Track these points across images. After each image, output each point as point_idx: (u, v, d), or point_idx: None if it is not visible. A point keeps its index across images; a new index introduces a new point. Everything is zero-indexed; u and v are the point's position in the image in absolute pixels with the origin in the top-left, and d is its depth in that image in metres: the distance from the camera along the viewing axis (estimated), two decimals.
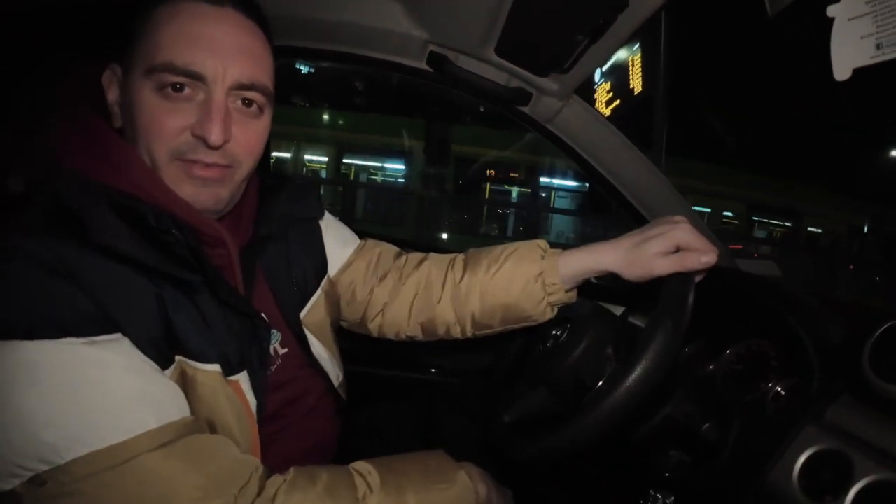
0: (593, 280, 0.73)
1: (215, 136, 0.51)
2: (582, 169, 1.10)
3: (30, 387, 0.42)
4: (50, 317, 0.43)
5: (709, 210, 11.22)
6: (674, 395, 0.75)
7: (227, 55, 0.52)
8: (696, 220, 1.13)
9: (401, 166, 11.13)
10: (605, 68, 4.60)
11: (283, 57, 0.99)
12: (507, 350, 0.92)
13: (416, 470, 0.58)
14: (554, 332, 0.76)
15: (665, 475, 0.76)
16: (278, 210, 0.69)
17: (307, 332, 0.72)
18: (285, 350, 0.68)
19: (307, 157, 10.88)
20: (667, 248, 0.63)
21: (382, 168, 11.20)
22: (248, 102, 0.55)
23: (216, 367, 0.54)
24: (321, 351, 0.75)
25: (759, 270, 1.13)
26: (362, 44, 0.94)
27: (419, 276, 0.81)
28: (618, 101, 4.44)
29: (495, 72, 0.92)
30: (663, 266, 0.62)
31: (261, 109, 0.57)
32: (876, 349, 0.63)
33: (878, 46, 0.45)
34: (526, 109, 1.00)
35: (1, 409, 0.42)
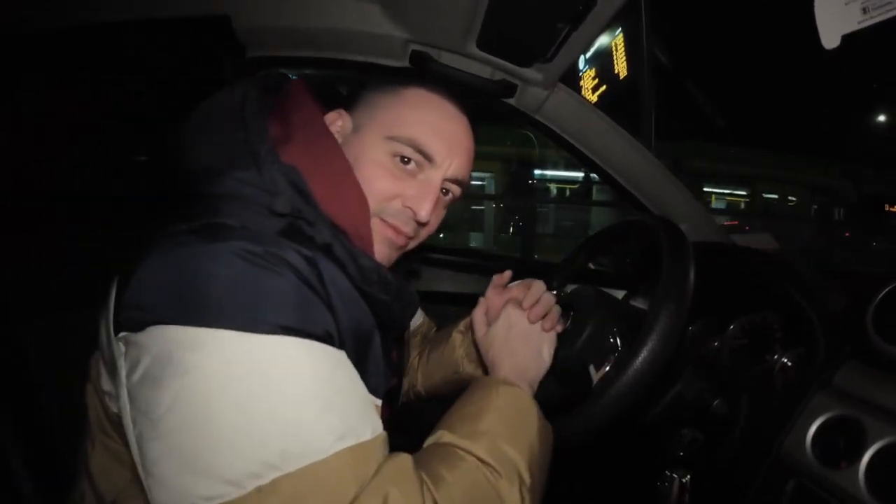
0: (592, 266, 0.73)
1: (425, 213, 0.59)
2: (573, 157, 1.10)
3: (293, 378, 0.42)
4: (309, 328, 0.44)
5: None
6: (682, 374, 0.75)
7: (456, 152, 0.61)
8: (690, 200, 1.13)
9: None
10: (588, 55, 4.60)
11: (265, 67, 0.99)
12: None
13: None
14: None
15: (679, 454, 0.76)
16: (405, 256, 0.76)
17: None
18: None
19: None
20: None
21: None
22: (445, 192, 0.64)
23: (379, 402, 0.56)
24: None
25: (756, 243, 1.13)
26: (344, 48, 0.93)
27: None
28: (604, 87, 4.45)
29: (479, 66, 0.92)
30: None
31: (452, 200, 0.66)
32: (879, 313, 0.64)
33: (864, 10, 0.45)
34: (512, 101, 0.99)
35: (254, 402, 0.40)
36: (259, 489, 0.39)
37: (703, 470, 0.74)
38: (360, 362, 0.53)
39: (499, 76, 0.94)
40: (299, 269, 0.45)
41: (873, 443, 0.56)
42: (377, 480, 0.42)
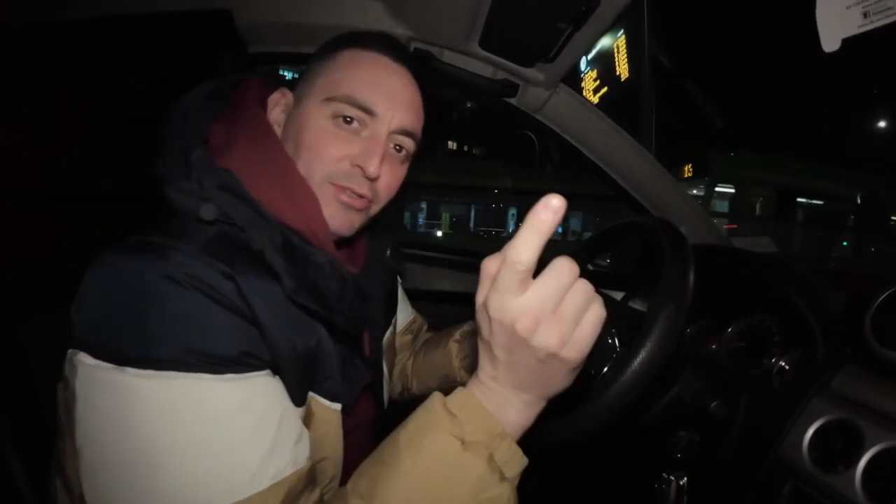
0: (590, 267, 0.73)
1: (374, 168, 0.56)
2: (573, 157, 1.10)
3: (191, 423, 0.41)
4: (218, 351, 0.43)
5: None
6: (681, 375, 0.76)
7: (398, 102, 0.59)
8: (690, 201, 1.13)
9: None
10: (590, 56, 4.59)
11: (266, 63, 0.99)
12: None
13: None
14: None
15: (677, 456, 0.76)
16: (382, 252, 0.74)
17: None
18: None
19: None
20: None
21: None
22: (398, 148, 0.61)
23: (339, 406, 0.56)
24: (386, 371, 0.78)
25: (756, 247, 1.13)
26: None
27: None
28: (605, 89, 4.44)
29: (481, 65, 0.92)
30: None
31: (407, 157, 0.63)
32: (877, 317, 0.64)
33: (865, 15, 0.45)
34: (514, 101, 0.99)
35: (154, 446, 0.40)
36: None
37: (700, 471, 0.74)
38: (308, 371, 0.51)
39: (501, 75, 0.93)
40: (214, 288, 0.44)
41: (870, 447, 0.56)
42: None
